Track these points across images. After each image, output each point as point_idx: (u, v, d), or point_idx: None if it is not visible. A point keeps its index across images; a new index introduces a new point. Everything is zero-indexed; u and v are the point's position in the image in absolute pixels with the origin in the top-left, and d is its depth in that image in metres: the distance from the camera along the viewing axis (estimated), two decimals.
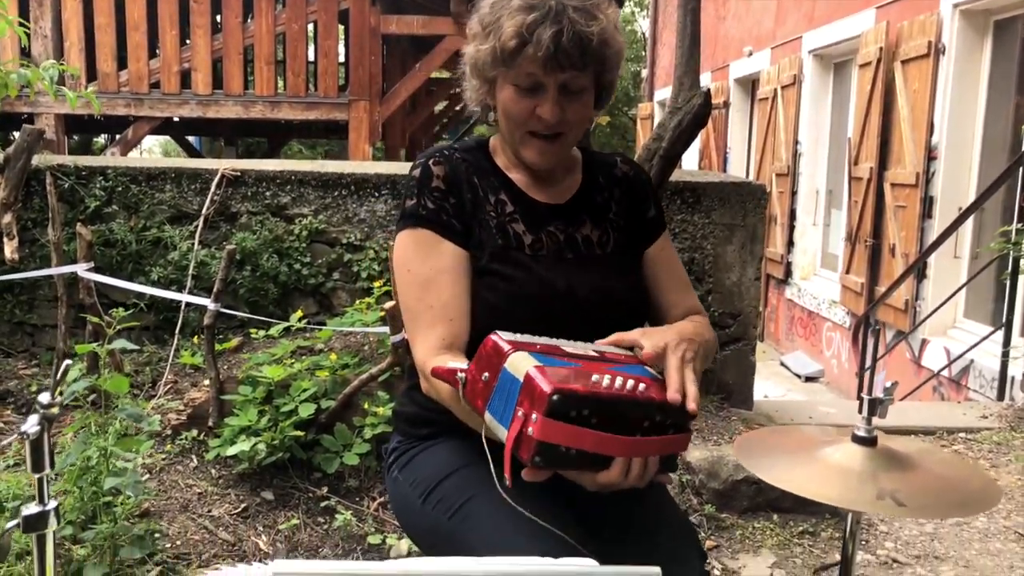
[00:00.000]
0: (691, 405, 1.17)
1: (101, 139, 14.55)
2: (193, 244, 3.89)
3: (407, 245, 1.44)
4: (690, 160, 11.28)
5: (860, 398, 1.28)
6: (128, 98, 7.79)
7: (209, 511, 2.78)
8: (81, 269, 3.28)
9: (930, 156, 5.90)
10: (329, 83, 8.02)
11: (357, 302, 3.59)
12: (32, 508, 0.97)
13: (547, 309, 1.40)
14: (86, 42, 7.65)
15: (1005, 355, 4.83)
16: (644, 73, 15.19)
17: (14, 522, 0.97)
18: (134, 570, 2.31)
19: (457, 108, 12.65)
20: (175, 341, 3.74)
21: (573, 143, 1.49)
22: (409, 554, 2.60)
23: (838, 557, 2.33)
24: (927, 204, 5.95)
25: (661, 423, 1.16)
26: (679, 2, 3.53)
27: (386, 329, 3.04)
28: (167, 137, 16.29)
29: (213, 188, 3.91)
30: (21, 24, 3.40)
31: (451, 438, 1.47)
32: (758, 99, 9.78)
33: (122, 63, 7.81)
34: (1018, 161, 4.64)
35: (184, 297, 3.61)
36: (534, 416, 1.05)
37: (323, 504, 2.84)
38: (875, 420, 1.29)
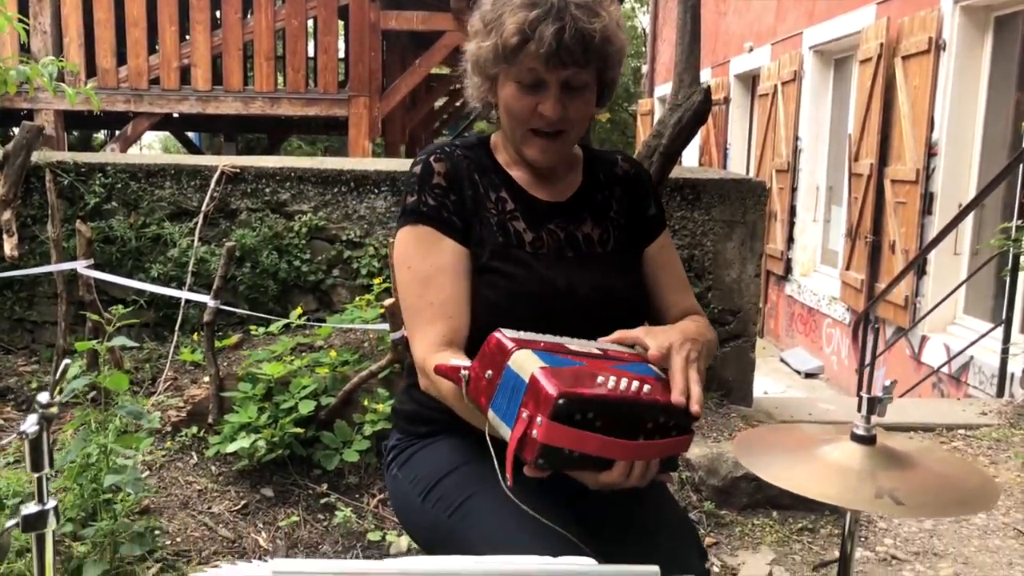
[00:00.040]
0: (695, 407, 1.17)
1: (101, 135, 14.54)
2: (193, 241, 3.89)
3: (408, 242, 1.44)
4: (690, 156, 11.27)
5: (859, 397, 1.28)
6: (128, 94, 7.78)
7: (209, 508, 2.78)
8: (81, 266, 3.28)
9: (930, 152, 5.90)
10: (329, 79, 8.01)
11: (357, 299, 3.59)
12: (31, 507, 0.97)
13: (547, 307, 1.40)
14: (85, 38, 7.64)
15: (1005, 351, 4.83)
16: (644, 69, 15.18)
17: (13, 521, 0.97)
18: (134, 567, 2.32)
19: (457, 104, 12.65)
20: (175, 338, 3.74)
21: (575, 141, 1.49)
22: (409, 551, 2.60)
23: (837, 554, 2.33)
24: (927, 200, 5.95)
25: (664, 424, 1.16)
26: None
27: (386, 326, 3.04)
28: (167, 133, 16.29)
29: (213, 185, 3.91)
30: (20, 20, 3.40)
31: (450, 436, 1.47)
32: (758, 95, 9.77)
33: (122, 59, 7.80)
34: (1018, 158, 4.63)
35: (184, 294, 3.61)
36: (539, 419, 1.05)
37: (323, 501, 2.85)
38: (874, 418, 1.29)
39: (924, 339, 5.96)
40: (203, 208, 3.91)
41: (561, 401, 1.05)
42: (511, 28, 1.33)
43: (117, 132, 8.75)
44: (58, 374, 1.00)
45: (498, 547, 1.26)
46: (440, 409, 1.39)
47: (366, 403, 2.96)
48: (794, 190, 8.58)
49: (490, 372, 1.14)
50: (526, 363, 1.10)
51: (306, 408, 2.87)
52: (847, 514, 1.34)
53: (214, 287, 3.17)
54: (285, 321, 3.42)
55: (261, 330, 3.51)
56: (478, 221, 1.44)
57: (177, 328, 3.77)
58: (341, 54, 9.29)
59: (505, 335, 1.16)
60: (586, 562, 1.00)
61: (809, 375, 7.73)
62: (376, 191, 3.93)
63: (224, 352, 3.52)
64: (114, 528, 2.26)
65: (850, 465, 1.24)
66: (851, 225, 7.09)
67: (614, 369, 1.15)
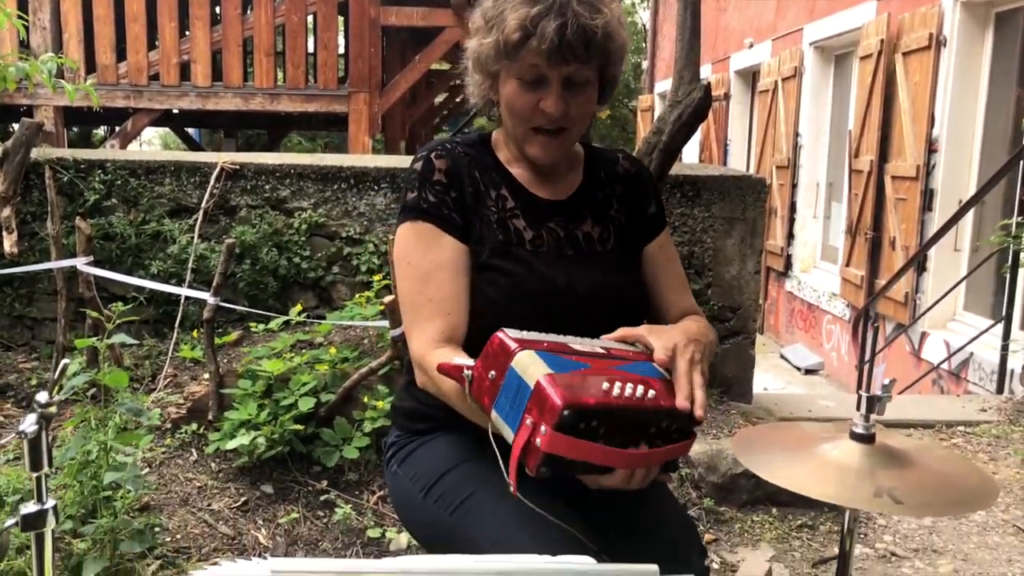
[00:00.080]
0: (699, 412, 1.17)
1: (100, 131, 14.53)
2: (192, 238, 3.89)
3: (408, 238, 1.44)
4: (690, 152, 11.26)
5: (858, 395, 1.28)
6: (127, 90, 7.77)
7: (209, 505, 2.79)
8: (80, 263, 3.28)
9: (931, 149, 5.89)
10: (329, 75, 8.00)
11: (357, 296, 3.59)
12: (30, 507, 0.97)
13: (547, 306, 1.40)
14: (85, 34, 7.63)
15: (1005, 348, 4.84)
16: (644, 65, 15.16)
17: (12, 520, 0.97)
18: (134, 564, 2.32)
19: (457, 100, 12.64)
20: (175, 335, 3.74)
21: (576, 138, 1.49)
22: (408, 548, 2.60)
23: (837, 550, 2.33)
24: (927, 197, 5.95)
25: (668, 429, 1.16)
26: None
27: (385, 323, 3.04)
28: (167, 129, 16.27)
29: (212, 181, 3.91)
30: (20, 17, 3.39)
31: (449, 433, 1.47)
32: (759, 91, 9.76)
33: (121, 55, 7.78)
34: (1019, 154, 4.63)
35: (183, 291, 3.61)
36: (543, 428, 1.05)
37: (323, 498, 2.85)
38: (873, 416, 1.29)
39: (924, 335, 5.96)
40: (203, 205, 3.91)
41: (566, 412, 1.04)
42: (513, 24, 1.33)
43: (117, 128, 8.75)
44: (57, 373, 1.00)
45: (500, 544, 1.26)
46: (438, 406, 1.39)
47: (366, 400, 2.96)
48: (794, 186, 8.58)
49: (493, 372, 1.14)
50: (530, 367, 1.09)
51: (306, 405, 2.88)
52: (846, 512, 1.34)
53: (214, 284, 3.17)
54: (285, 318, 3.42)
55: (261, 327, 3.51)
56: (478, 219, 1.44)
57: (177, 325, 3.78)
58: (341, 50, 9.27)
59: (508, 335, 1.15)
60: (585, 561, 1.00)
61: (809, 371, 7.73)
62: (376, 188, 3.92)
63: (224, 349, 3.52)
64: (114, 525, 2.26)
65: (849, 464, 1.25)
66: (851, 221, 7.08)
67: (618, 371, 1.15)
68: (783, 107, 8.70)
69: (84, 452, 2.26)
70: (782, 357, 8.26)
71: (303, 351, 3.22)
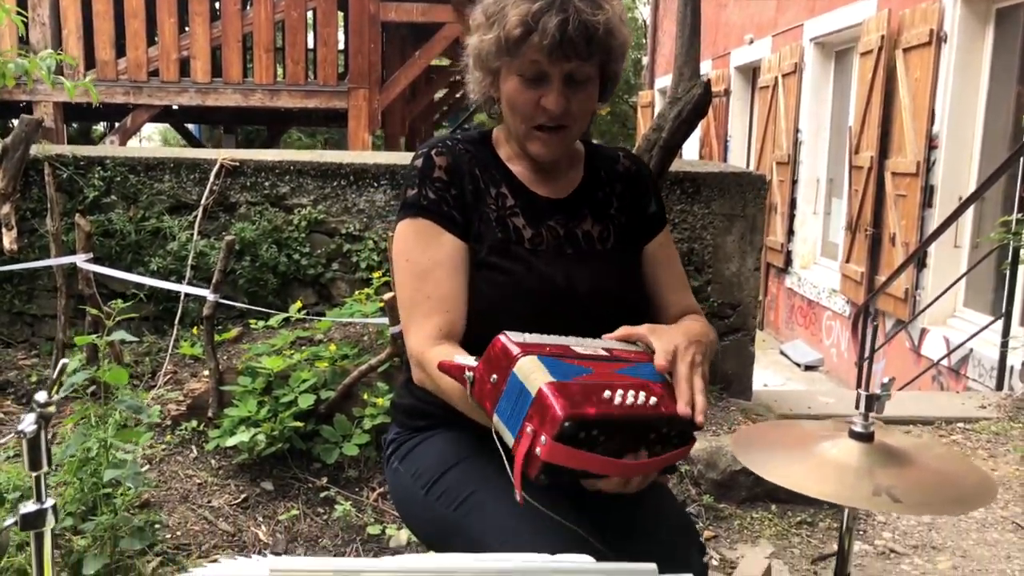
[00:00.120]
0: (699, 419, 1.17)
1: (100, 127, 14.52)
2: (192, 234, 3.89)
3: (407, 235, 1.44)
4: (691, 149, 11.25)
5: (857, 394, 1.28)
6: (127, 86, 7.76)
7: (209, 502, 2.79)
8: (80, 260, 3.28)
9: (931, 145, 5.89)
10: (328, 71, 7.99)
11: (356, 293, 3.59)
12: (30, 506, 0.97)
13: (546, 304, 1.40)
14: (84, 30, 7.62)
15: (1004, 345, 4.84)
16: (645, 60, 15.14)
17: (12, 520, 0.97)
18: (134, 561, 2.32)
19: (457, 96, 12.62)
20: (175, 331, 3.74)
21: (577, 135, 1.48)
22: (408, 544, 2.61)
23: (836, 547, 2.34)
24: (927, 193, 5.94)
25: (667, 434, 1.16)
26: None
27: (385, 320, 3.05)
28: (166, 125, 16.26)
29: (212, 178, 3.90)
30: (19, 13, 3.39)
31: (449, 430, 1.47)
32: (759, 87, 9.75)
33: (120, 51, 7.77)
34: (1019, 151, 4.62)
35: (183, 288, 3.61)
36: (543, 438, 1.05)
37: (323, 495, 2.85)
38: (872, 414, 1.29)
39: (924, 332, 5.96)
40: (202, 202, 3.91)
41: (567, 424, 1.04)
42: (514, 20, 1.33)
43: (116, 124, 8.74)
44: (56, 373, 1.00)
45: (505, 541, 1.27)
46: (438, 403, 1.39)
47: (365, 397, 2.96)
48: (794, 182, 8.58)
49: (495, 376, 1.13)
50: (532, 373, 1.09)
51: (306, 402, 2.88)
52: (845, 511, 1.34)
53: (213, 281, 3.17)
54: (285, 315, 3.42)
55: (261, 324, 3.51)
56: (478, 216, 1.44)
57: (177, 322, 3.78)
58: (341, 46, 9.26)
59: (510, 339, 1.15)
60: (584, 560, 1.00)
61: (809, 368, 7.73)
62: (375, 184, 3.92)
63: (224, 346, 3.52)
64: (114, 522, 2.26)
65: (848, 462, 1.25)
66: (851, 218, 7.08)
67: (620, 375, 1.15)
68: (783, 103, 8.70)
69: (84, 449, 2.26)
70: (782, 353, 8.26)
71: (303, 348, 3.22)
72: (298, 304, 3.53)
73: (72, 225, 3.54)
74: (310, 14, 8.21)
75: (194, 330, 3.75)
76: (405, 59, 9.04)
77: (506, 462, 1.11)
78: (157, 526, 2.49)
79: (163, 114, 8.95)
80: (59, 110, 7.73)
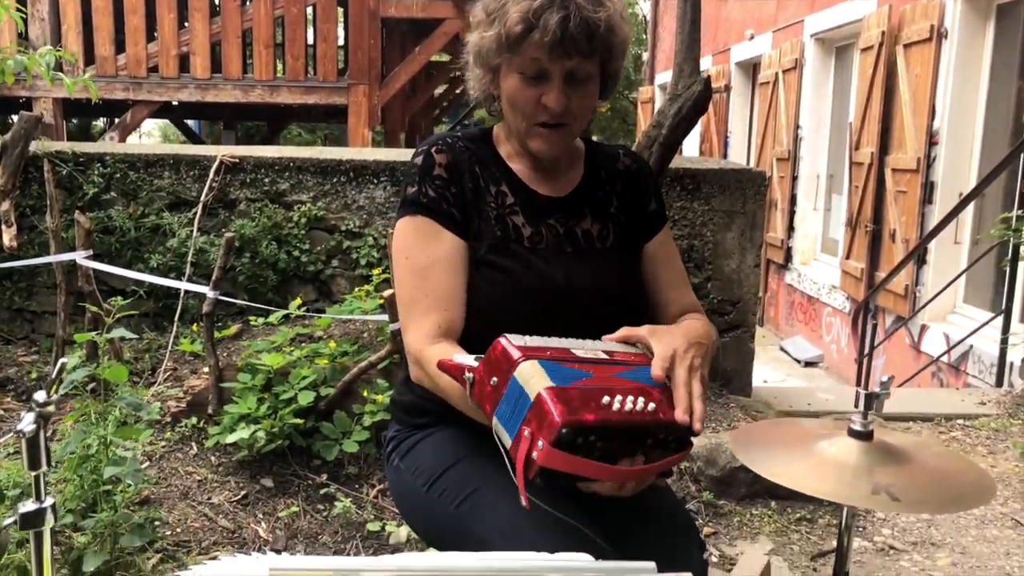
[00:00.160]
0: (696, 426, 1.16)
1: (100, 123, 14.51)
2: (192, 231, 3.89)
3: (407, 233, 1.44)
4: (691, 144, 11.24)
5: (856, 393, 1.28)
6: (126, 82, 7.75)
7: (209, 498, 2.79)
8: (80, 257, 3.28)
9: (931, 141, 5.88)
10: (328, 67, 7.98)
11: (356, 289, 3.59)
12: (29, 505, 0.98)
13: (546, 303, 1.40)
14: (83, 25, 7.60)
15: (1004, 341, 4.84)
16: (645, 56, 15.11)
17: (11, 519, 0.97)
18: (134, 557, 2.33)
19: (457, 92, 12.61)
20: (174, 328, 3.74)
21: (578, 132, 1.48)
22: (408, 541, 2.61)
23: (835, 544, 2.34)
24: (928, 189, 5.94)
25: (665, 439, 1.16)
26: None
27: (385, 317, 3.04)
28: (166, 121, 16.24)
29: (211, 175, 3.90)
30: (18, 9, 3.38)
31: (449, 427, 1.47)
32: (759, 83, 9.74)
33: (120, 47, 7.76)
34: (1019, 147, 4.62)
35: (183, 285, 3.61)
36: (540, 443, 1.05)
37: (322, 491, 2.86)
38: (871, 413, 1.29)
39: (924, 328, 5.96)
40: (202, 198, 3.91)
41: (564, 430, 1.05)
42: (515, 17, 1.33)
43: (116, 120, 8.73)
44: (55, 372, 1.00)
45: (505, 539, 1.27)
46: (437, 400, 1.39)
47: (365, 394, 2.96)
48: (795, 178, 8.57)
49: (495, 379, 1.14)
50: (532, 378, 1.09)
51: (305, 399, 2.88)
52: (844, 509, 1.35)
53: (213, 277, 3.17)
54: (284, 312, 3.43)
55: (260, 320, 3.51)
56: (477, 214, 1.44)
57: (177, 318, 3.78)
58: (340, 42, 9.24)
59: (511, 343, 1.15)
60: (584, 558, 1.00)
61: (809, 364, 7.74)
62: (375, 181, 3.92)
63: (224, 342, 3.52)
64: (114, 519, 2.26)
65: (847, 461, 1.25)
66: (851, 214, 7.08)
67: (619, 379, 1.15)
68: (784, 99, 8.69)
69: (84, 446, 2.26)
70: (782, 350, 8.27)
71: (303, 345, 3.22)
72: (298, 301, 3.53)
73: (72, 222, 3.54)
74: (310, 10, 8.19)
75: (194, 327, 3.75)
76: (405, 55, 9.03)
77: (508, 463, 1.12)
78: (157, 523, 2.49)
79: (163, 110, 8.93)
80: (59, 106, 7.72)
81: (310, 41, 8.99)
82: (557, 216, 1.48)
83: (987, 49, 5.64)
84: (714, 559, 2.70)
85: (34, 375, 3.67)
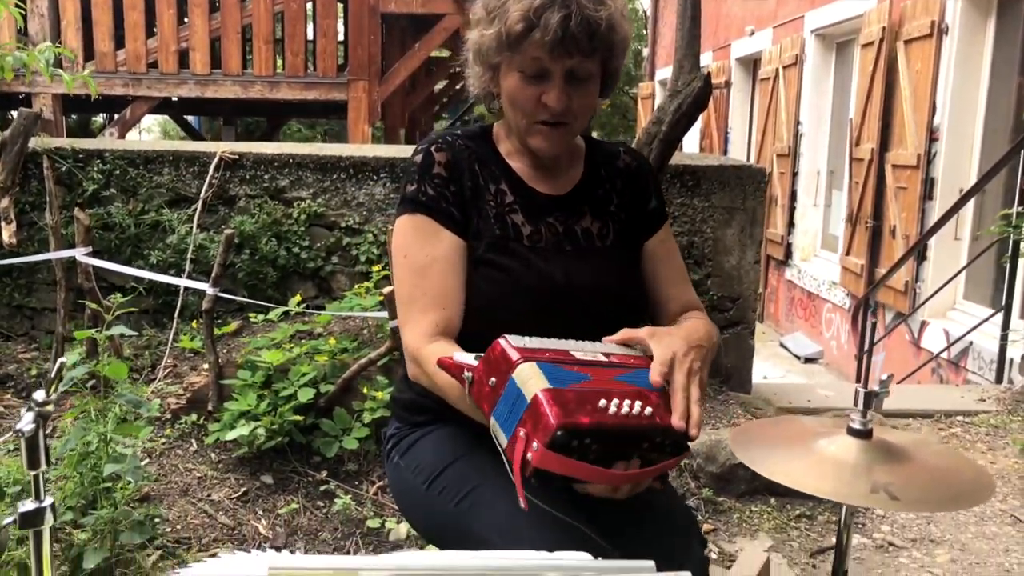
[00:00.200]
0: (693, 431, 1.16)
1: (99, 118, 14.50)
2: (192, 228, 3.89)
3: (406, 231, 1.44)
4: (691, 141, 11.23)
5: (855, 391, 1.28)
6: (126, 78, 7.75)
7: (209, 495, 2.79)
8: (79, 253, 3.28)
9: (932, 137, 5.88)
10: (328, 63, 7.97)
11: (356, 286, 3.58)
12: (28, 504, 0.98)
13: (545, 302, 1.40)
14: (83, 21, 7.60)
15: (1004, 338, 4.84)
16: (645, 52, 15.09)
17: (11, 519, 0.97)
18: (134, 554, 2.33)
19: (457, 87, 12.60)
20: (174, 325, 3.74)
21: (579, 131, 1.48)
22: (408, 538, 2.61)
23: (834, 540, 2.34)
24: (928, 186, 5.94)
25: (661, 443, 1.16)
26: None
27: (385, 313, 3.05)
28: (166, 116, 16.23)
29: (211, 171, 3.90)
30: (17, 5, 3.38)
31: (448, 425, 1.47)
32: (760, 79, 9.72)
33: (119, 42, 7.76)
34: (1020, 143, 4.62)
35: (183, 282, 3.61)
36: (535, 444, 1.06)
37: (322, 488, 2.86)
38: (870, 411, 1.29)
39: (924, 324, 5.96)
40: (202, 195, 3.91)
41: (559, 433, 1.05)
42: (515, 15, 1.32)
43: (116, 116, 8.73)
44: (54, 372, 1.00)
45: (505, 537, 1.27)
46: (436, 398, 1.39)
47: (365, 390, 2.96)
48: (795, 175, 8.56)
49: (494, 380, 1.14)
50: (530, 380, 1.10)
51: (305, 396, 2.88)
52: (843, 507, 1.35)
53: (213, 274, 3.17)
54: (284, 308, 3.43)
55: (260, 317, 3.51)
56: (476, 213, 1.44)
57: (176, 315, 3.78)
58: (340, 37, 9.23)
59: (510, 344, 1.15)
60: (582, 557, 1.01)
61: (808, 360, 7.74)
62: (375, 178, 3.92)
63: (223, 339, 3.52)
64: (114, 516, 2.26)
65: (846, 459, 1.25)
66: (852, 210, 7.07)
67: (617, 382, 1.15)
68: (784, 95, 8.68)
69: (84, 443, 2.26)
70: (782, 346, 8.27)
71: (302, 341, 3.22)
72: (297, 298, 3.53)
73: (71, 218, 3.54)
74: (309, 5, 8.19)
75: (194, 324, 3.75)
76: (405, 51, 9.02)
77: (506, 464, 1.12)
78: (157, 520, 2.49)
79: (162, 106, 8.94)
80: (58, 102, 7.72)
81: (310, 37, 8.99)
82: (557, 214, 1.47)
83: (988, 45, 5.63)
84: (713, 556, 2.70)
85: (34, 372, 3.67)
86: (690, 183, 3.85)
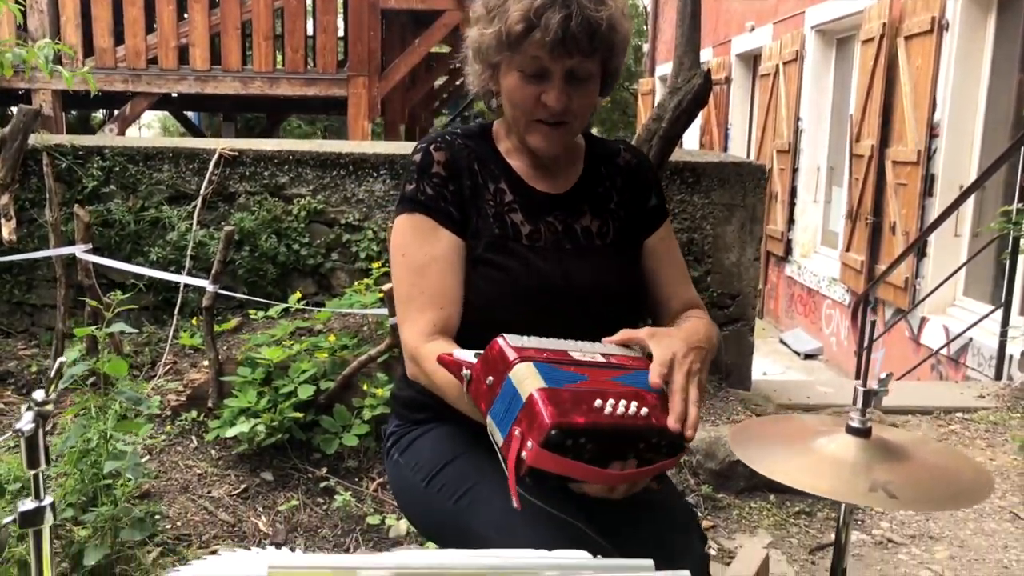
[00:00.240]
0: (689, 433, 1.16)
1: (99, 114, 14.48)
2: (191, 224, 3.89)
3: (404, 230, 1.44)
4: (691, 136, 11.22)
5: (855, 390, 1.28)
6: (125, 74, 7.73)
7: (209, 492, 2.80)
8: (79, 250, 3.28)
9: (932, 134, 5.87)
10: (328, 59, 7.95)
11: (356, 283, 3.59)
12: (28, 503, 0.98)
13: (545, 301, 1.40)
14: (83, 17, 7.58)
15: (1004, 334, 4.84)
16: (645, 48, 15.07)
17: (11, 518, 0.97)
18: (135, 551, 2.33)
19: (457, 83, 12.57)
20: (174, 322, 3.74)
21: (579, 130, 1.48)
22: (407, 535, 2.62)
23: (834, 537, 2.35)
24: (928, 182, 5.93)
25: (656, 444, 1.16)
26: None
27: (384, 310, 3.05)
28: (166, 113, 16.22)
29: (211, 168, 3.90)
30: (17, 1, 3.37)
31: (447, 423, 1.47)
32: (760, 75, 9.71)
33: (119, 38, 7.74)
34: (1020, 140, 4.61)
35: (183, 278, 3.61)
36: (530, 443, 1.06)
37: (322, 485, 2.86)
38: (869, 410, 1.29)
39: (923, 321, 5.97)
40: (202, 191, 3.91)
41: (554, 432, 1.05)
42: (516, 15, 1.32)
43: (115, 112, 8.71)
44: (54, 371, 1.00)
45: (503, 534, 1.27)
46: (436, 397, 1.39)
47: (365, 387, 2.96)
48: (795, 171, 8.56)
49: (491, 379, 1.14)
50: (526, 379, 1.10)
51: (305, 392, 2.88)
52: (842, 505, 1.35)
53: (213, 271, 3.17)
54: (284, 305, 3.43)
55: (260, 314, 3.51)
56: (475, 212, 1.44)
57: (176, 312, 3.78)
58: (340, 33, 9.21)
59: (508, 344, 1.15)
60: (581, 555, 1.01)
61: (808, 356, 7.74)
62: (375, 174, 3.92)
63: (223, 336, 3.52)
64: (114, 513, 2.27)
65: (845, 458, 1.25)
66: (852, 206, 7.07)
67: (614, 383, 1.15)
68: (784, 91, 8.67)
69: (84, 440, 2.26)
70: (782, 342, 8.27)
71: (302, 338, 3.22)
72: (297, 294, 3.53)
73: (71, 215, 3.54)
74: (309, 1, 8.17)
75: (194, 320, 3.75)
76: (405, 47, 9.00)
77: (503, 463, 1.12)
78: (157, 517, 2.50)
79: (162, 102, 8.92)
80: (58, 98, 7.70)
81: (310, 32, 8.97)
82: (556, 213, 1.47)
83: (988, 42, 5.63)
84: (713, 552, 2.70)
85: (34, 368, 3.68)
86: (690, 180, 3.85)
